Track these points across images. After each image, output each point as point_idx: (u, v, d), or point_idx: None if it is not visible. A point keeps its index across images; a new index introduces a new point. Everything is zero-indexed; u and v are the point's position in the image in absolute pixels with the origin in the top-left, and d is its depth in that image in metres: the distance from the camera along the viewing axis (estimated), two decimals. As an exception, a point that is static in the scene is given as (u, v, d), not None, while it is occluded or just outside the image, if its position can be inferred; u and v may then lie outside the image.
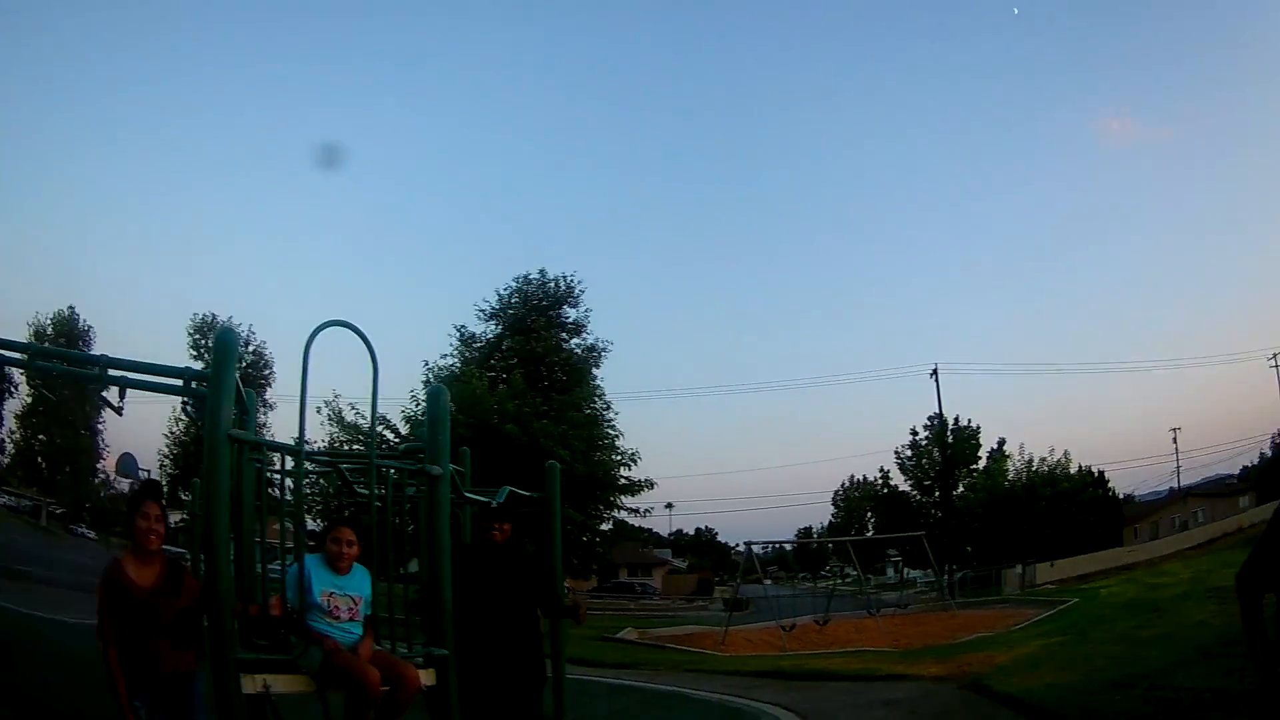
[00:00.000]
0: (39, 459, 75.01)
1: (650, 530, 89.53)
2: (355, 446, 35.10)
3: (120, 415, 7.59)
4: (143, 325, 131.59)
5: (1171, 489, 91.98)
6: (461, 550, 7.73)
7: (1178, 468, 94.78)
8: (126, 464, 49.53)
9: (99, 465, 78.04)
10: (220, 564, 5.71)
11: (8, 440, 78.82)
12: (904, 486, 70.59)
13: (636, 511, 44.53)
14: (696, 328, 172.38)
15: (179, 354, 67.23)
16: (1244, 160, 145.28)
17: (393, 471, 7.58)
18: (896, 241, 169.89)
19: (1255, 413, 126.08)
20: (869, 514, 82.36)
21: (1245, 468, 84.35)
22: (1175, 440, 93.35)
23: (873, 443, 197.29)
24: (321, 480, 28.64)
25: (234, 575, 6.09)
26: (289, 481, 6.89)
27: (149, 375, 7.15)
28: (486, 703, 7.16)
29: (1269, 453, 64.45)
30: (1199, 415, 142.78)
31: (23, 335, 67.45)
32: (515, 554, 7.75)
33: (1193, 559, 44.96)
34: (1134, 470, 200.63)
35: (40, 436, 74.74)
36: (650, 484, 42.35)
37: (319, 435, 38.73)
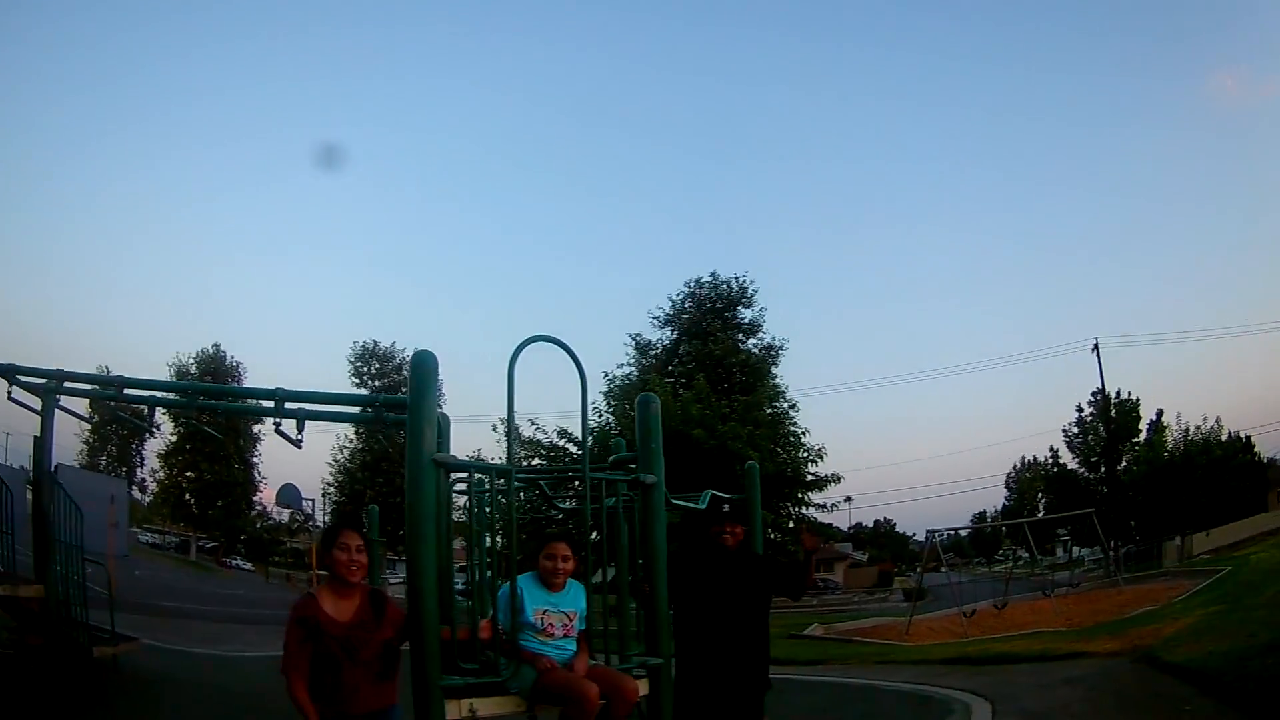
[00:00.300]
0: (187, 495, 75.18)
1: (832, 525, 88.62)
2: (537, 461, 34.68)
3: (299, 448, 7.52)
4: (288, 358, 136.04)
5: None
6: (682, 556, 7.35)
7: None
8: (288, 494, 49.85)
9: (255, 498, 79.56)
10: (425, 590, 5.49)
11: (149, 479, 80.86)
12: (1072, 464, 68.59)
13: (823, 507, 42.88)
14: (860, 320, 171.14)
15: (333, 382, 68.55)
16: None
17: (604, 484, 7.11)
18: (1054, 216, 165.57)
19: None
20: (1040, 495, 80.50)
21: None
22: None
23: (1042, 422, 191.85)
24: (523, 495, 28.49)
25: (438, 600, 5.84)
26: (499, 500, 6.46)
27: (333, 405, 7.27)
28: (714, 711, 6.81)
29: None
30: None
31: (166, 377, 68.81)
32: (747, 557, 7.50)
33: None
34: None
35: (189, 473, 74.66)
36: (838, 478, 40.69)
37: (495, 451, 38.93)
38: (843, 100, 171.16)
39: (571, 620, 6.19)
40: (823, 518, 45.72)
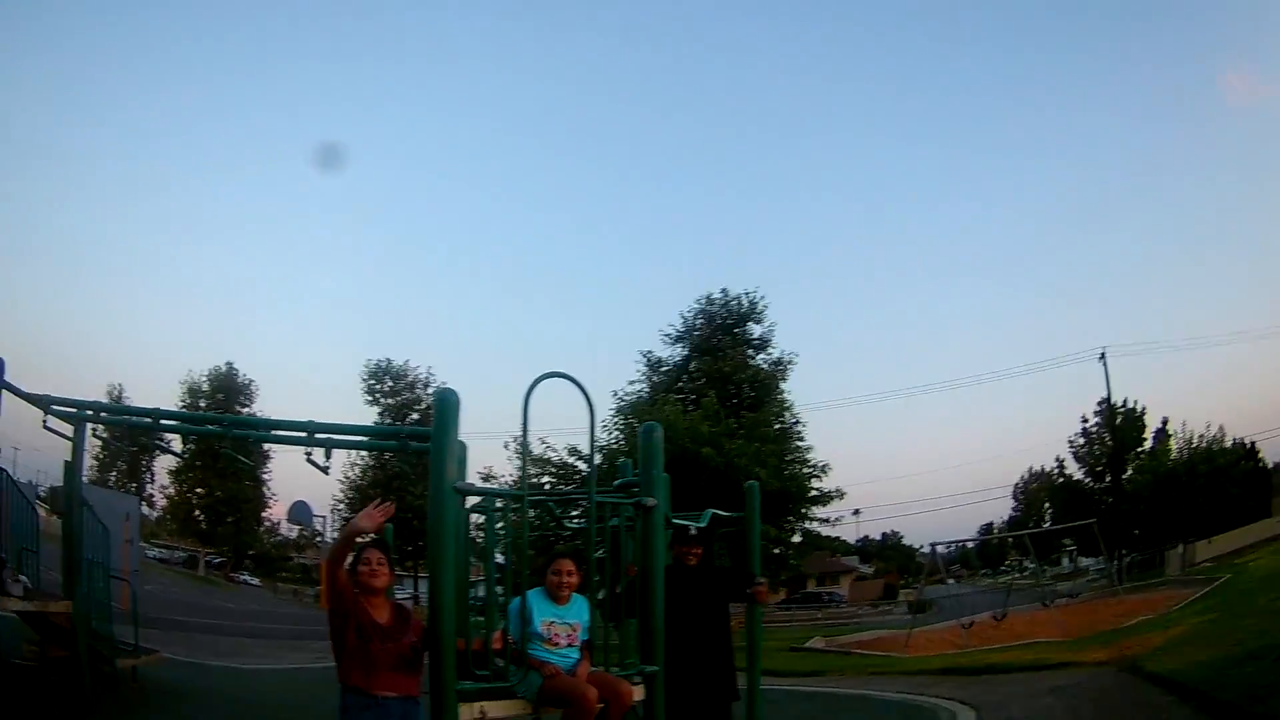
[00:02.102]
0: (196, 511, 75.29)
1: (838, 538, 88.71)
2: (545, 480, 35.47)
3: (326, 474, 8.17)
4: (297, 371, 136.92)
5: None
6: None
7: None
8: (299, 512, 51.01)
9: (265, 514, 79.86)
10: (444, 605, 6.12)
11: (158, 494, 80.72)
12: (1078, 475, 68.68)
13: (827, 521, 43.48)
14: (869, 333, 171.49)
15: (342, 399, 69.40)
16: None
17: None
18: (1052, 226, 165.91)
19: None
20: (1046, 505, 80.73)
21: None
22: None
23: (1051, 432, 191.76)
24: (532, 515, 28.87)
25: (456, 615, 6.41)
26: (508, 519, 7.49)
27: (361, 435, 7.87)
28: (684, 717, 7.49)
29: None
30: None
31: (177, 393, 71.36)
32: (707, 574, 8.19)
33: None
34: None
35: (199, 489, 74.65)
36: (841, 494, 41.58)
37: (506, 468, 39.40)
38: (845, 107, 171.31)
39: (575, 630, 6.79)
40: (826, 532, 46.23)
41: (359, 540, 6.20)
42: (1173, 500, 57.64)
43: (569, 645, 6.73)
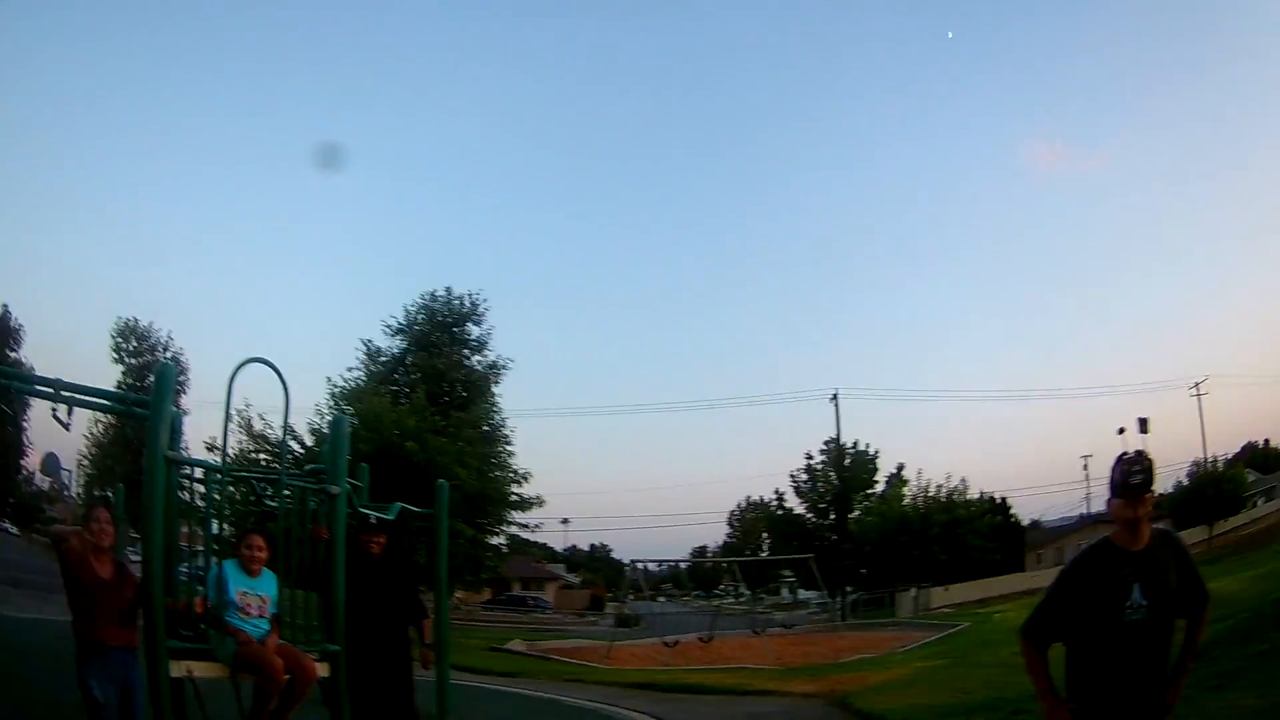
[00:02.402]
0: None
1: (545, 545, 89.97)
2: (263, 456, 36.28)
3: (68, 431, 8.63)
4: (65, 320, 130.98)
5: (1082, 515, 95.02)
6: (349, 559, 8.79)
7: (1088, 495, 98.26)
8: (50, 464, 51.64)
9: (22, 462, 77.15)
10: (155, 567, 6.93)
11: None
12: (799, 509, 71.51)
13: (527, 526, 46.56)
14: (599, 348, 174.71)
15: (100, 352, 67.65)
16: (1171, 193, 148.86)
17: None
18: (801, 266, 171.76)
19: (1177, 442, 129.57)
20: (765, 535, 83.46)
21: (1160, 495, 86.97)
22: (1086, 468, 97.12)
23: (772, 464, 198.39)
24: (232, 489, 29.18)
25: (165, 576, 7.28)
26: (211, 494, 8.25)
27: (97, 399, 8.31)
28: (361, 695, 8.45)
29: (1186, 482, 66.18)
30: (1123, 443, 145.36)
31: None
32: (391, 565, 9.18)
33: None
34: (1045, 496, 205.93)
35: None
36: (540, 501, 44.02)
37: (239, 443, 39.43)
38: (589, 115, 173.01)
39: (265, 603, 7.74)
40: (529, 537, 49.66)
41: (93, 496, 6.91)
42: (902, 545, 60.84)
43: (259, 616, 7.62)
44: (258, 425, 38.19)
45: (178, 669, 7.07)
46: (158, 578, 6.94)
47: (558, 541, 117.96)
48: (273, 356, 7.50)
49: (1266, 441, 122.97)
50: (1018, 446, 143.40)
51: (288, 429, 7.79)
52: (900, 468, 70.35)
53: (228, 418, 7.43)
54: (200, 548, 8.42)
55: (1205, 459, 71.95)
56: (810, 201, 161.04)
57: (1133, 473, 4.16)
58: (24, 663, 15.22)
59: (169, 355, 69.44)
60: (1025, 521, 72.58)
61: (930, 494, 66.33)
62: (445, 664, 10.81)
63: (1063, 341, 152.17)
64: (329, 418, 8.81)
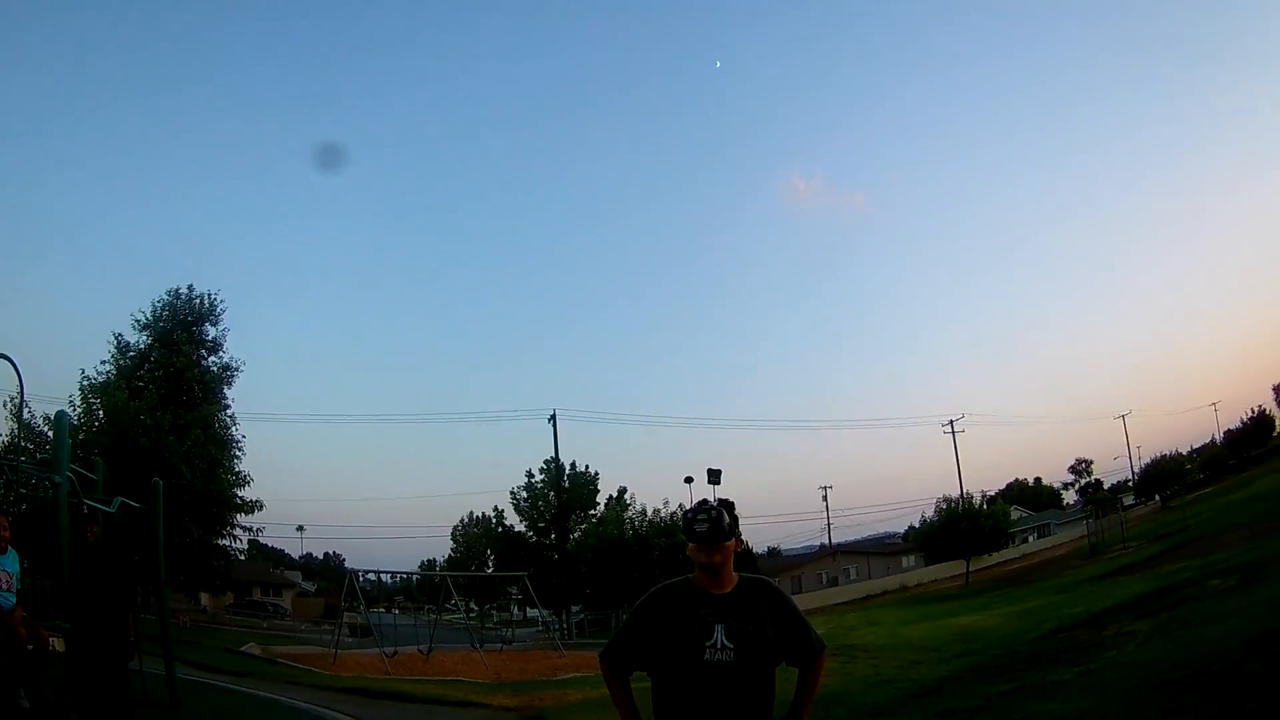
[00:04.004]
0: None
1: (283, 552, 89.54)
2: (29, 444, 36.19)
3: None
4: None
5: (822, 545, 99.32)
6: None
7: (828, 524, 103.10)
8: None
9: None
10: None
11: None
12: (520, 527, 74.03)
13: (250, 530, 47.82)
14: (336, 354, 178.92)
15: None
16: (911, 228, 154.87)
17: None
18: (527, 282, 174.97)
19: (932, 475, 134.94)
20: (489, 551, 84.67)
21: (910, 527, 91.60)
22: (825, 498, 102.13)
23: (497, 481, 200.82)
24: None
25: None
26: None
27: None
28: (82, 670, 9.63)
29: (934, 517, 68.08)
30: (886, 470, 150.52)
31: None
32: (106, 554, 10.34)
33: (836, 614, 50.21)
34: (789, 525, 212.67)
35: None
36: (260, 505, 45.77)
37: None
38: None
39: (11, 578, 8.76)
40: (249, 540, 50.45)
41: None
42: (620, 566, 62.29)
43: (6, 590, 8.67)
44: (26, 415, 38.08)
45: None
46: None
47: (295, 549, 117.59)
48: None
49: (1038, 480, 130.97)
50: (761, 475, 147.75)
51: (21, 418, 9.03)
52: (622, 490, 72.66)
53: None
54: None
55: (961, 495, 74.08)
56: (524, 228, 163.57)
57: (697, 520, 4.20)
58: None
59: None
60: (763, 549, 74.92)
61: (649, 518, 67.95)
62: (170, 657, 11.70)
63: (818, 376, 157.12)
64: (54, 414, 9.64)
